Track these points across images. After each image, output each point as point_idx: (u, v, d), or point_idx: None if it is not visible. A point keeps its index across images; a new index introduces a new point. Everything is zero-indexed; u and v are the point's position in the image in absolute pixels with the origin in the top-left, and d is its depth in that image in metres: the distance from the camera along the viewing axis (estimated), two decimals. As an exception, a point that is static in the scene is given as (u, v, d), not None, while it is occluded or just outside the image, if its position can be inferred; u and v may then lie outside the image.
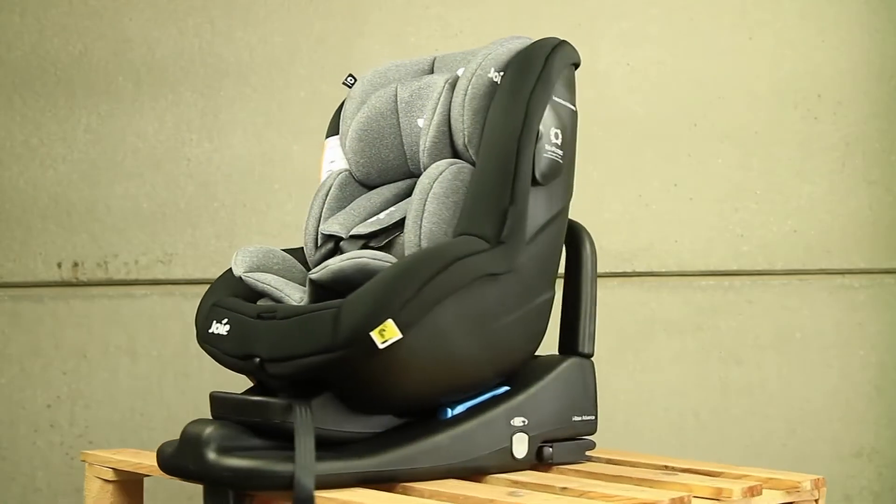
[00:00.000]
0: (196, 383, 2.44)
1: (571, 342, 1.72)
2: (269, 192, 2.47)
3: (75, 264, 2.47)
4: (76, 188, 2.46)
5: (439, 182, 1.60)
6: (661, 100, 2.49)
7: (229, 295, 1.62)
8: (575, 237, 1.75)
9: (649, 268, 2.47)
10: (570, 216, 1.72)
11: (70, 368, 2.45)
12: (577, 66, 1.71)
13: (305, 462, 1.37)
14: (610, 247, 2.45)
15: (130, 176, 2.47)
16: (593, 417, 1.70)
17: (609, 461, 1.72)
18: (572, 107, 1.68)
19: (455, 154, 1.67)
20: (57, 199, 2.46)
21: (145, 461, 1.70)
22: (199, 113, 2.47)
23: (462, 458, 1.54)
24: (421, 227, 1.58)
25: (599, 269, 2.34)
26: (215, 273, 2.44)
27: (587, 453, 1.71)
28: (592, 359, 1.72)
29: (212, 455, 1.42)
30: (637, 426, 2.41)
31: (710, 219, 2.49)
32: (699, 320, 2.49)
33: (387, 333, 1.41)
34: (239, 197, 2.47)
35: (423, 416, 1.57)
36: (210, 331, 1.57)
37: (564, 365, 1.68)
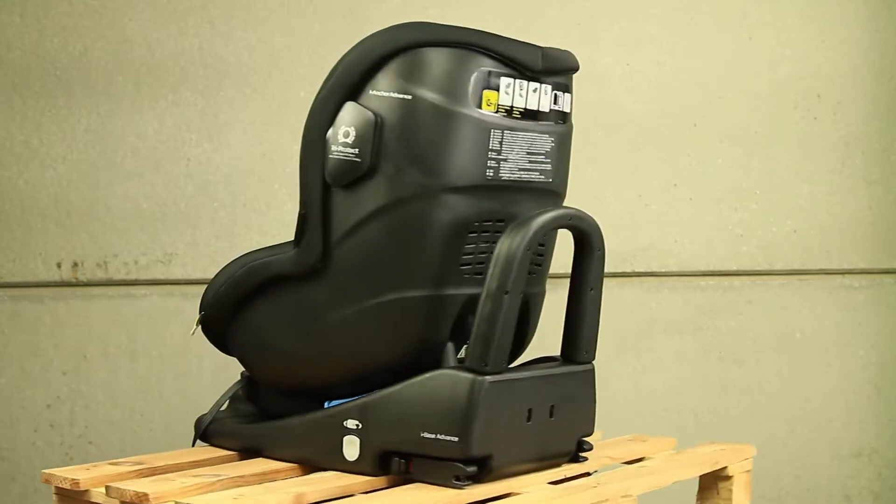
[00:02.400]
0: (196, 383, 2.44)
1: (566, 348, 1.68)
2: (269, 192, 2.47)
3: (75, 264, 2.47)
4: (76, 188, 2.46)
5: None
6: (660, 100, 2.49)
7: None
8: (580, 239, 1.66)
9: (649, 268, 2.47)
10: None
11: (70, 369, 2.45)
12: (414, 47, 1.57)
13: (211, 409, 1.79)
14: (610, 247, 2.44)
15: (130, 176, 2.47)
16: (456, 440, 1.50)
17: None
18: (403, 96, 1.56)
19: None
20: (57, 199, 2.46)
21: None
22: (199, 113, 2.47)
23: (302, 448, 1.65)
24: None
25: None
26: (215, 273, 2.45)
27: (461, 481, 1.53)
28: (590, 365, 1.69)
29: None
30: (637, 426, 2.41)
31: (709, 219, 2.49)
32: (699, 320, 2.49)
33: (197, 323, 1.77)
34: (239, 197, 2.47)
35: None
36: None
37: (425, 377, 1.54)
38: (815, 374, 2.49)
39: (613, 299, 2.43)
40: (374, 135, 1.57)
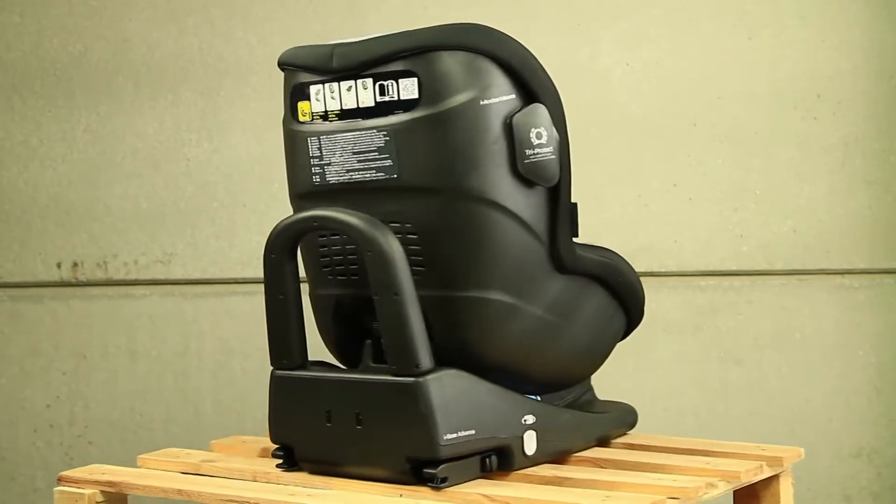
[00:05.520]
0: (196, 383, 2.44)
1: (387, 357, 1.63)
2: (269, 192, 2.47)
3: (75, 264, 2.47)
4: (75, 188, 2.46)
5: None
6: (660, 100, 2.49)
7: None
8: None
9: (649, 268, 2.47)
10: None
11: (70, 369, 2.45)
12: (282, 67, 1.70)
13: None
14: (610, 247, 2.45)
15: (130, 176, 2.47)
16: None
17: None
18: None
19: None
20: (56, 199, 2.46)
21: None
22: (199, 113, 2.47)
23: None
24: None
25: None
26: (215, 273, 2.44)
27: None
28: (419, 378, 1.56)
29: None
30: (637, 426, 2.41)
31: (709, 219, 2.49)
32: (699, 320, 2.49)
33: None
34: (239, 197, 2.47)
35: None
36: None
37: None
38: (814, 375, 2.49)
39: (613, 299, 2.43)
40: None
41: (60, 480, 1.70)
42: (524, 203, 1.60)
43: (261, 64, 2.47)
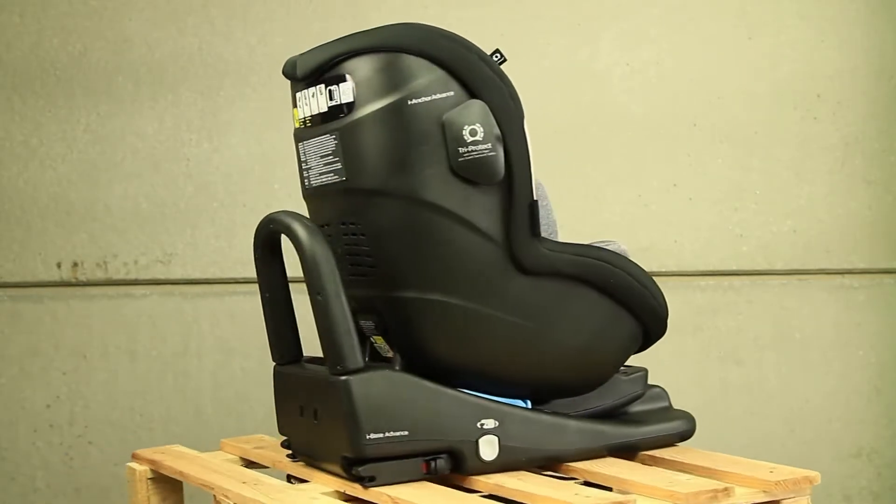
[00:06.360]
0: (196, 383, 2.44)
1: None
2: (269, 192, 2.47)
3: (75, 264, 2.47)
4: (76, 188, 2.46)
5: None
6: (660, 100, 2.49)
7: None
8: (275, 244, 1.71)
9: (649, 268, 2.47)
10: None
11: (70, 368, 2.45)
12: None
13: None
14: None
15: (130, 176, 2.47)
16: None
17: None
18: None
19: None
20: (56, 198, 2.46)
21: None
22: (199, 113, 2.47)
23: None
24: None
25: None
26: (215, 273, 2.45)
27: None
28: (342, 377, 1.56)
29: None
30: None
31: (709, 219, 2.49)
32: (699, 320, 2.49)
33: None
34: (238, 197, 2.47)
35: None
36: None
37: None
38: (814, 374, 2.49)
39: (613, 299, 2.43)
40: None
41: (133, 457, 1.90)
42: (468, 203, 1.56)
43: (261, 64, 2.47)
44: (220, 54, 2.47)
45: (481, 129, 1.56)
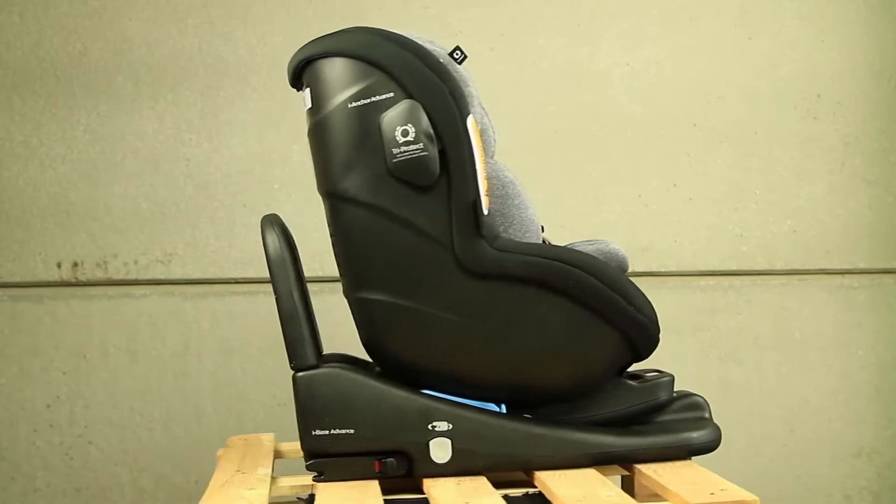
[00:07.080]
0: (196, 383, 2.44)
1: None
2: (269, 192, 2.47)
3: (75, 264, 2.46)
4: (75, 188, 2.46)
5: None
6: (660, 100, 2.49)
7: None
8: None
9: (649, 268, 2.47)
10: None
11: (70, 368, 2.45)
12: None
13: None
14: (610, 247, 2.45)
15: (130, 176, 2.46)
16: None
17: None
18: None
19: None
20: (56, 198, 2.46)
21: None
22: (199, 113, 2.47)
23: None
24: None
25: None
26: (215, 273, 2.44)
27: None
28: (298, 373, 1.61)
29: None
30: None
31: (709, 219, 2.49)
32: (699, 320, 2.49)
33: None
34: (238, 197, 2.47)
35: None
36: None
37: None
38: (814, 374, 2.49)
39: (613, 299, 2.43)
40: None
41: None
42: (409, 204, 1.56)
43: (261, 64, 2.47)
44: (220, 54, 2.47)
45: (412, 130, 1.56)
